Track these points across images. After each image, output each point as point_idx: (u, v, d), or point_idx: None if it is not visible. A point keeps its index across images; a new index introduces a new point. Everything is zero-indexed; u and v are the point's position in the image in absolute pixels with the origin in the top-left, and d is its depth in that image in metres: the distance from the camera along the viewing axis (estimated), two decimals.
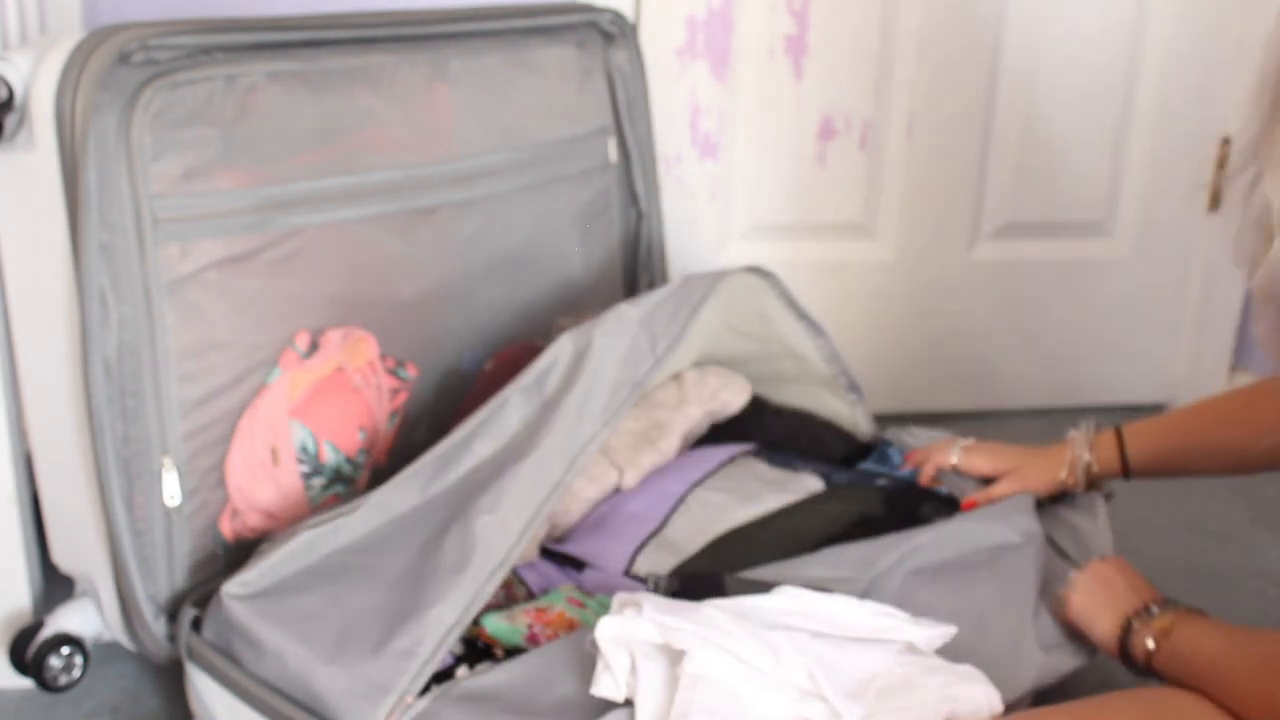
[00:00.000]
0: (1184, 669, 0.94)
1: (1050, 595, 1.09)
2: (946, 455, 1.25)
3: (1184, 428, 1.20)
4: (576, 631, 0.99)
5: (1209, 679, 0.91)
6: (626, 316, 1.10)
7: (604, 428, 1.05)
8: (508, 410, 1.08)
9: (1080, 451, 1.20)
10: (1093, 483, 1.21)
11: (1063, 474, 1.20)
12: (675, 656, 0.87)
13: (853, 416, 1.36)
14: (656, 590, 1.05)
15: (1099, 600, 1.04)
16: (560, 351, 1.08)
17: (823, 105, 1.70)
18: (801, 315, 1.28)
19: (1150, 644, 0.97)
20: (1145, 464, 1.19)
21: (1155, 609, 1.00)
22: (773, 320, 1.30)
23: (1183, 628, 0.96)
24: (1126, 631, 1.00)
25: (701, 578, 1.06)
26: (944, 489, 1.25)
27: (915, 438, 1.34)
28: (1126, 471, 1.20)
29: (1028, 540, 1.12)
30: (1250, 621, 1.37)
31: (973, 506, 1.19)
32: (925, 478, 1.26)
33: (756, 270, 1.23)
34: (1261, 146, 0.90)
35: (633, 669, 0.87)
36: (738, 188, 1.72)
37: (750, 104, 1.68)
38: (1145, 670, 0.98)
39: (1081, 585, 1.06)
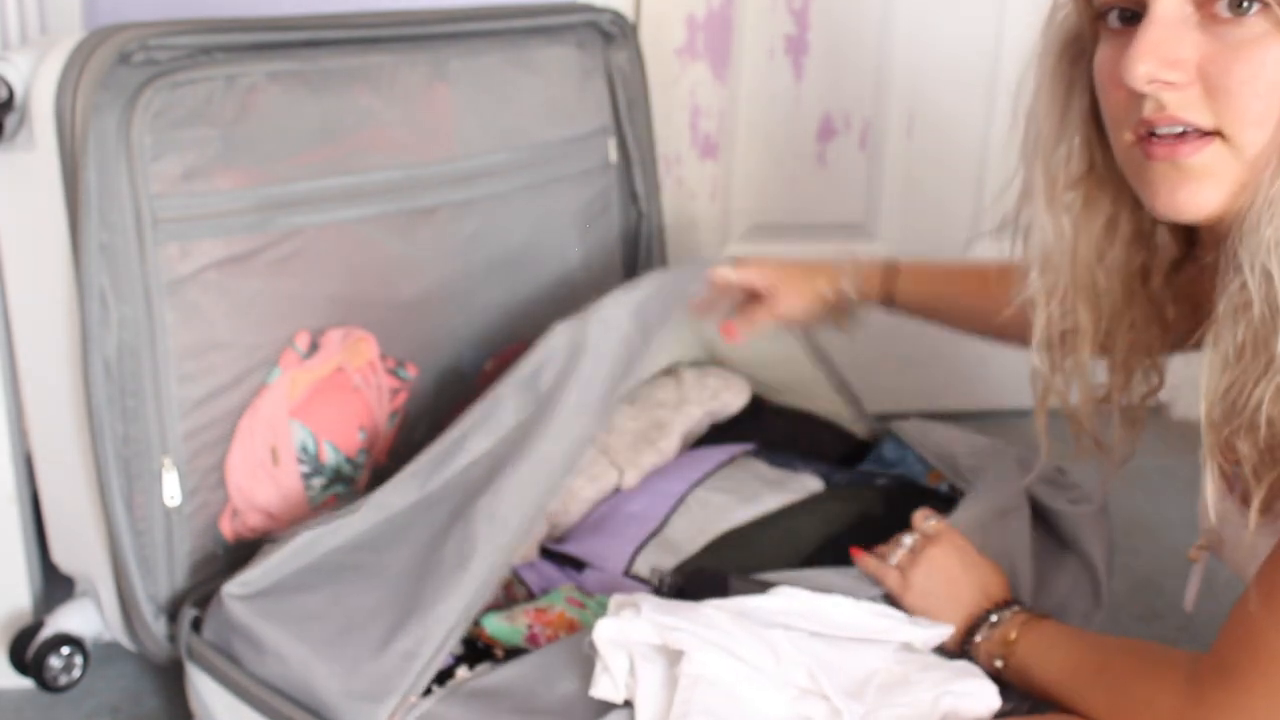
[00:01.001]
0: (1032, 687, 0.91)
1: (1040, 589, 1.08)
2: (720, 267, 1.24)
3: (949, 280, 1.23)
4: (579, 631, 0.99)
5: (1060, 700, 0.89)
6: (620, 306, 1.11)
7: (600, 422, 1.05)
8: (503, 406, 1.08)
9: (846, 274, 1.23)
10: (850, 306, 1.24)
11: (825, 292, 1.23)
12: (674, 657, 0.87)
13: (835, 408, 1.37)
14: (661, 586, 1.05)
15: (939, 600, 0.97)
16: (554, 345, 1.09)
17: (823, 105, 1.70)
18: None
19: (998, 663, 0.93)
20: (908, 304, 1.23)
21: (994, 617, 0.95)
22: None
23: (1026, 643, 0.92)
24: (968, 640, 0.95)
25: (706, 575, 1.06)
26: (944, 487, 1.26)
27: (915, 429, 1.33)
28: (889, 305, 1.23)
29: (1014, 511, 1.13)
30: None
31: (732, 334, 1.22)
32: (708, 295, 1.25)
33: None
34: (1028, 190, 0.91)
35: (631, 670, 0.87)
36: (738, 188, 1.72)
37: (750, 104, 1.68)
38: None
39: (919, 579, 0.98)
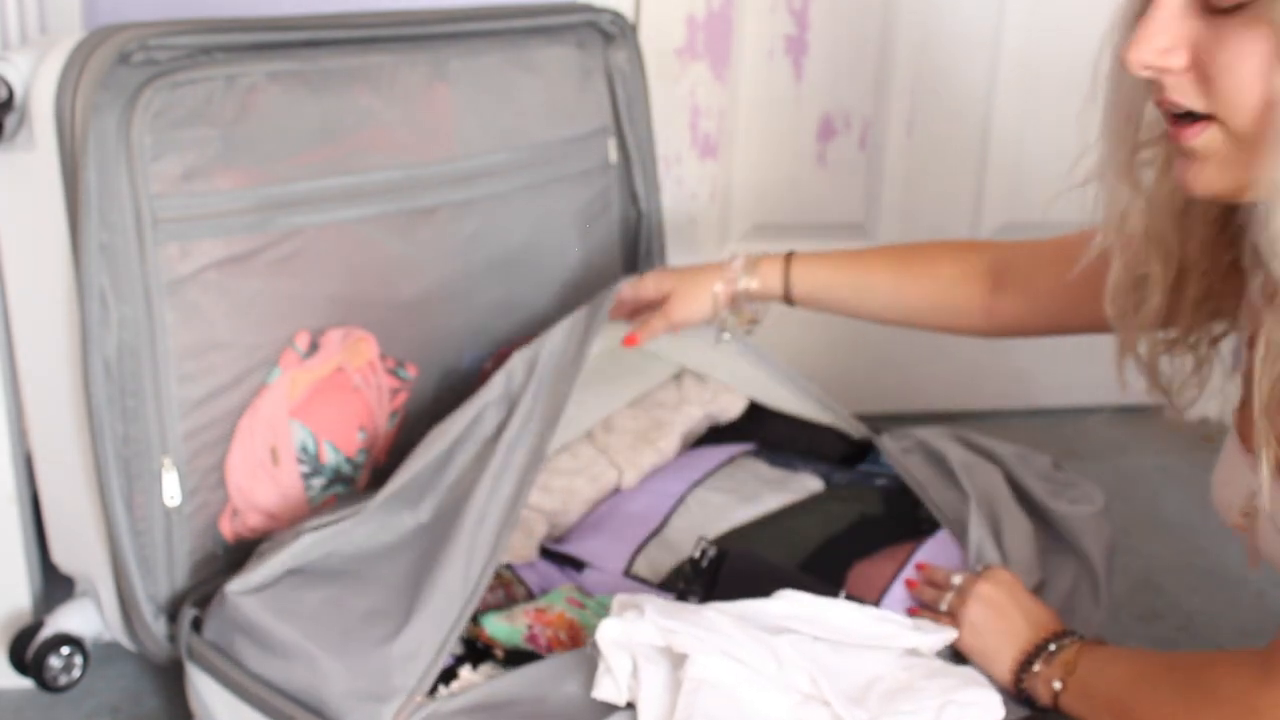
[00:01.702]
0: (1095, 704, 0.91)
1: (1041, 590, 1.08)
2: (625, 287, 1.25)
3: (855, 265, 1.23)
4: (584, 646, 0.98)
5: (1124, 711, 0.89)
6: (561, 329, 1.15)
7: (553, 417, 1.08)
8: (483, 423, 1.10)
9: (739, 273, 1.23)
10: (748, 303, 1.25)
11: (718, 288, 1.23)
12: (677, 659, 0.87)
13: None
14: (703, 559, 1.05)
15: (993, 635, 0.98)
16: (514, 366, 1.12)
17: (823, 105, 1.70)
18: None
19: (1056, 685, 0.93)
20: (807, 293, 1.22)
21: (1053, 645, 0.95)
22: None
23: (1087, 661, 0.93)
24: (1025, 670, 0.95)
25: (749, 556, 1.06)
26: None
27: (895, 450, 1.32)
28: (788, 297, 1.23)
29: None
30: (1252, 622, 1.38)
31: (631, 341, 1.23)
32: (623, 309, 1.27)
33: None
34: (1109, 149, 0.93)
35: (634, 672, 0.87)
36: (738, 188, 1.72)
37: (750, 104, 1.68)
38: (1046, 710, 0.94)
39: (972, 618, 0.99)
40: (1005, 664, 0.97)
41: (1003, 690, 0.95)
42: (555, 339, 1.13)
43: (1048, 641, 0.96)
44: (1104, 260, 0.97)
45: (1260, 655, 0.84)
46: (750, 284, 1.23)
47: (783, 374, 1.36)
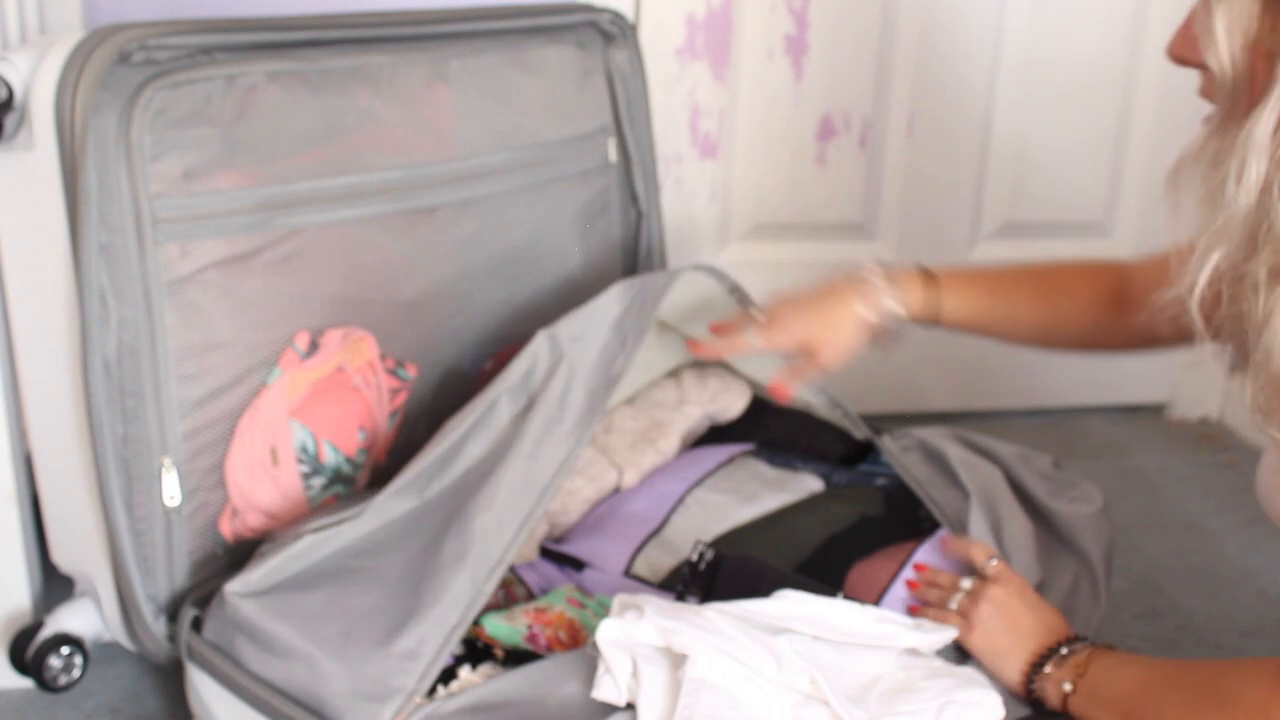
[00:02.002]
0: (1104, 707, 0.91)
1: (1040, 590, 1.08)
2: (745, 336, 1.15)
3: (1001, 292, 1.19)
4: (583, 645, 0.98)
5: (1133, 714, 0.89)
6: (595, 318, 1.11)
7: (587, 425, 1.06)
8: (498, 409, 1.09)
9: (882, 297, 1.15)
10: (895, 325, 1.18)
11: (862, 312, 1.14)
12: (677, 660, 0.87)
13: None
14: (700, 562, 1.05)
15: (1004, 637, 0.98)
16: (539, 350, 1.10)
17: (823, 105, 1.70)
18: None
19: (1067, 686, 0.93)
20: (958, 320, 1.17)
21: (1065, 649, 0.95)
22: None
23: (1098, 664, 0.93)
24: (1036, 671, 0.96)
25: (745, 559, 1.06)
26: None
27: (896, 449, 1.30)
28: (935, 320, 1.17)
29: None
30: (1252, 622, 1.38)
31: (782, 394, 1.15)
32: (721, 352, 1.20)
33: (707, 268, 1.22)
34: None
35: (634, 672, 0.87)
36: (738, 188, 1.72)
37: (750, 104, 1.68)
38: (1054, 713, 0.94)
39: (983, 618, 0.99)
40: (1016, 665, 0.97)
41: (1007, 691, 0.95)
42: (587, 329, 1.10)
43: (1060, 645, 0.96)
44: None
45: (1275, 663, 0.84)
46: (895, 307, 1.16)
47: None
